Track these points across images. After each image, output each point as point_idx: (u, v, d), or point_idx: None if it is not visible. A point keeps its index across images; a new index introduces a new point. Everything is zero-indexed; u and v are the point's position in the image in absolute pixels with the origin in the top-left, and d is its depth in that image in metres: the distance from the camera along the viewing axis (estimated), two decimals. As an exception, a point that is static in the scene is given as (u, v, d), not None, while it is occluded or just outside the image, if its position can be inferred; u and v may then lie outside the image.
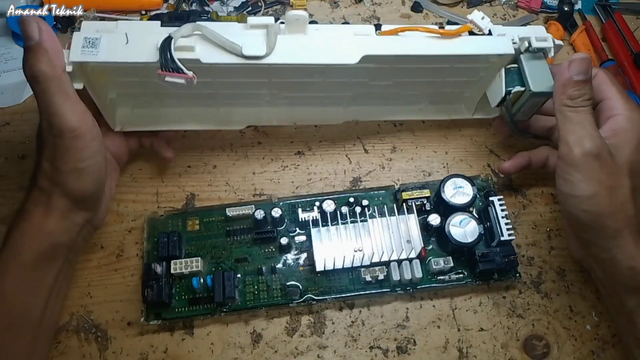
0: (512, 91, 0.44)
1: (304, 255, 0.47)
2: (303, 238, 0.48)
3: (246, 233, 0.47)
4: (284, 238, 0.46)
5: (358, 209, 0.47)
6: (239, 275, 0.46)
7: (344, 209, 0.47)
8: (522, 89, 0.44)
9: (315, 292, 0.46)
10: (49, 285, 0.41)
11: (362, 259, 0.45)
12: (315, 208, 0.47)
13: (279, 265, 0.47)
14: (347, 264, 0.45)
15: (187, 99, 0.48)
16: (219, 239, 0.47)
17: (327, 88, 0.48)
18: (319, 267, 0.45)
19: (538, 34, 0.44)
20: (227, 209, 0.47)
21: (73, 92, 0.37)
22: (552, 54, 0.44)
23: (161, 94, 0.46)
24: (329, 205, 0.46)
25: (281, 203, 0.49)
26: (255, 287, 0.46)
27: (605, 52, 0.60)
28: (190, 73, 0.38)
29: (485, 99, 0.49)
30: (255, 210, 0.46)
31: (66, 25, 0.58)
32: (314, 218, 0.47)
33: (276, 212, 0.46)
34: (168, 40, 0.38)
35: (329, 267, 0.45)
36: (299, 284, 0.46)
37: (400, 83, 0.49)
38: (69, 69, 0.37)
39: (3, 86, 0.55)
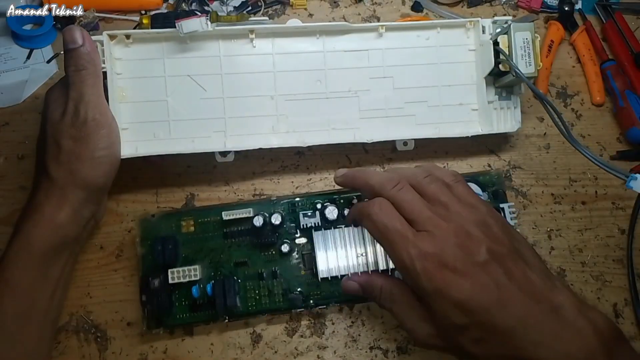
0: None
1: (306, 259, 0.46)
2: (304, 240, 0.46)
3: (244, 235, 0.46)
4: (285, 245, 0.45)
5: None
6: (239, 280, 0.45)
7: (347, 212, 0.46)
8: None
9: (318, 297, 0.45)
10: (55, 276, 0.42)
11: (367, 264, 0.43)
12: (317, 213, 0.46)
13: (280, 270, 0.45)
14: (351, 269, 0.43)
15: (196, 129, 0.48)
16: (217, 241, 0.46)
17: (334, 108, 0.49)
18: (323, 275, 0.44)
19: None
20: (223, 212, 0.45)
21: (102, 90, 0.43)
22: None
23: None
24: (331, 212, 0.45)
25: (281, 202, 0.47)
26: (257, 292, 0.45)
27: (605, 52, 0.60)
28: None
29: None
30: (254, 216, 0.45)
31: (66, 25, 0.58)
32: (316, 224, 0.45)
33: (276, 219, 0.45)
34: None
35: (333, 273, 0.44)
36: (301, 291, 0.45)
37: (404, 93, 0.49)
38: (103, 69, 0.43)
39: (2, 86, 0.54)
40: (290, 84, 0.48)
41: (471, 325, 0.31)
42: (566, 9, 0.60)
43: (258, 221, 0.44)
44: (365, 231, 0.44)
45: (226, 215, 0.44)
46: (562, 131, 0.44)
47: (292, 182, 0.52)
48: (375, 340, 0.46)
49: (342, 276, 0.43)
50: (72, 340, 0.45)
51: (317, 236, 0.44)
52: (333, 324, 0.47)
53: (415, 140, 0.51)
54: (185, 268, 0.43)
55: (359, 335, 0.46)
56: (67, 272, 0.44)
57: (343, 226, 0.45)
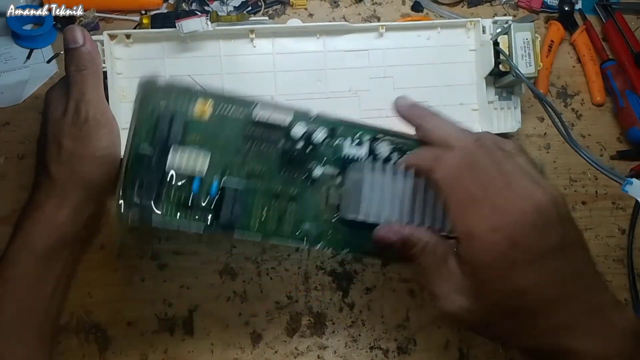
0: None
1: (331, 193, 0.36)
2: (337, 171, 0.36)
3: (272, 143, 0.35)
4: (319, 168, 0.36)
5: None
6: (248, 193, 0.35)
7: (394, 156, 0.36)
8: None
9: (332, 240, 0.37)
10: (56, 275, 0.42)
11: (411, 212, 0.34)
12: (365, 145, 0.36)
13: (299, 196, 0.36)
14: (390, 216, 0.34)
15: None
16: (233, 141, 0.35)
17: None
18: (362, 217, 0.34)
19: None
20: (254, 109, 0.35)
21: (103, 89, 0.43)
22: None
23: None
24: (383, 148, 0.36)
25: (321, 121, 0.36)
26: (265, 211, 0.36)
27: (605, 52, 0.60)
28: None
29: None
30: (294, 123, 0.35)
31: (66, 25, 0.58)
32: (361, 158, 0.36)
33: (320, 135, 0.36)
34: None
35: (374, 219, 0.34)
36: (314, 229, 0.36)
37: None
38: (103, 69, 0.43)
39: (3, 86, 0.54)
40: (290, 83, 0.48)
41: (520, 313, 0.30)
42: (566, 8, 0.60)
43: (299, 130, 0.35)
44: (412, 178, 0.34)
45: (257, 115, 0.35)
46: (562, 132, 0.44)
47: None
48: (375, 340, 0.46)
49: (372, 225, 0.34)
50: (72, 340, 0.45)
51: (355, 170, 0.35)
52: (333, 323, 0.47)
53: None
54: (192, 154, 0.34)
55: (359, 335, 0.46)
56: (68, 271, 0.44)
57: (390, 168, 0.35)
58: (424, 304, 0.48)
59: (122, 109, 0.46)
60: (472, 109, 0.51)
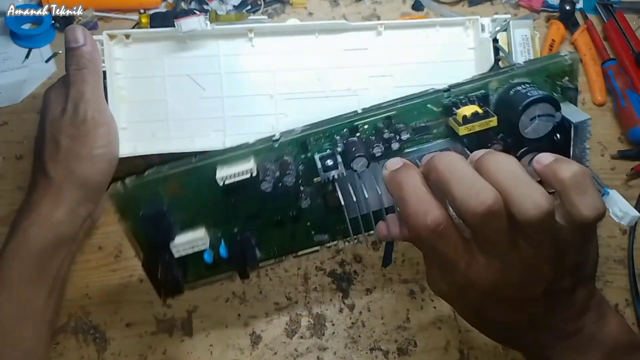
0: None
1: (328, 198, 0.36)
2: (322, 180, 0.35)
3: (250, 189, 0.35)
4: (305, 201, 0.36)
5: (396, 146, 0.35)
6: (255, 233, 0.37)
7: (377, 150, 0.34)
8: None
9: (345, 232, 0.37)
10: (52, 275, 0.42)
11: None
12: (338, 158, 0.34)
13: (300, 212, 0.37)
14: (388, 204, 0.34)
15: (195, 128, 0.47)
16: (216, 201, 0.36)
17: (334, 107, 0.48)
18: (351, 215, 0.35)
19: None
20: (217, 169, 0.34)
21: (102, 89, 0.43)
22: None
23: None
24: (358, 164, 0.34)
25: (288, 141, 0.35)
26: (277, 238, 0.37)
27: (606, 52, 0.59)
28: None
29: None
30: (261, 180, 0.34)
31: (65, 25, 0.58)
32: (340, 175, 0.34)
33: (289, 179, 0.34)
34: None
35: (364, 211, 0.35)
36: (326, 234, 0.37)
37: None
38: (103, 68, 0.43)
39: (1, 85, 0.54)
40: (289, 83, 0.48)
41: (498, 325, 0.31)
42: (567, 8, 0.60)
43: (267, 186, 0.34)
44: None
45: (222, 179, 0.34)
46: None
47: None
48: (375, 341, 0.46)
49: (374, 212, 0.35)
50: (70, 341, 0.45)
51: (342, 181, 0.35)
52: (333, 324, 0.46)
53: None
54: (189, 237, 0.35)
55: (359, 336, 0.46)
56: (64, 271, 0.44)
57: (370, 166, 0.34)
58: (424, 305, 0.47)
59: (121, 109, 0.46)
60: (473, 109, 0.51)
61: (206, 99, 0.47)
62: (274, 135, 0.35)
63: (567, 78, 0.36)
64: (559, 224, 0.26)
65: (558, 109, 0.33)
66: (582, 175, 0.26)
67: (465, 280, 0.28)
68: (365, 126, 0.36)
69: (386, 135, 0.35)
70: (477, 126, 0.32)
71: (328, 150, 0.35)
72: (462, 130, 0.33)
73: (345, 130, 0.35)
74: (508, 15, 0.49)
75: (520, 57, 0.46)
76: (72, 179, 0.41)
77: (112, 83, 0.44)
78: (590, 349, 0.30)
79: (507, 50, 0.46)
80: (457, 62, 0.51)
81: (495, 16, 0.49)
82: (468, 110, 0.33)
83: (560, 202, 0.27)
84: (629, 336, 0.32)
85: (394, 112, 0.35)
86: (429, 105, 0.35)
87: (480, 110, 0.33)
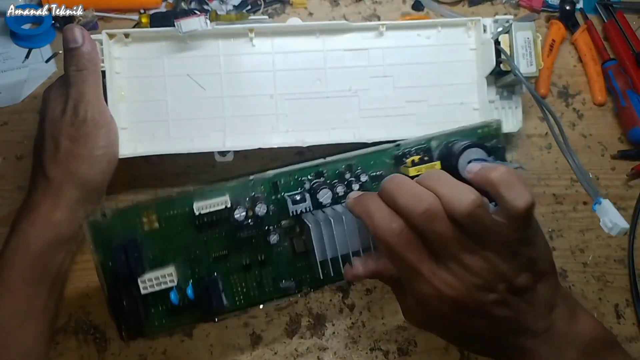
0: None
1: (295, 243, 0.40)
2: (292, 223, 0.39)
3: (223, 226, 0.38)
4: (274, 236, 0.38)
5: (356, 187, 0.39)
6: (222, 275, 0.39)
7: (340, 190, 0.38)
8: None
9: (312, 280, 0.40)
10: (52, 275, 0.42)
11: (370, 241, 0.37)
12: (306, 195, 0.38)
13: (267, 257, 0.39)
14: (354, 248, 0.37)
15: (195, 128, 0.47)
16: (189, 236, 0.38)
17: (334, 108, 0.48)
18: (320, 257, 0.37)
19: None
20: (194, 203, 0.37)
21: (102, 89, 0.43)
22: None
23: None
24: (324, 196, 0.38)
25: (261, 181, 0.39)
26: (244, 284, 0.39)
27: (607, 52, 0.59)
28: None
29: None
30: (233, 208, 0.37)
31: (65, 25, 0.58)
32: (308, 209, 0.38)
33: (261, 209, 0.38)
34: None
35: (331, 255, 0.37)
36: (292, 281, 0.40)
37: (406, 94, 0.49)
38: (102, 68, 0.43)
39: (1, 85, 0.54)
40: (290, 83, 0.48)
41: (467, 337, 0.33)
42: (567, 8, 0.60)
43: (239, 214, 0.37)
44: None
45: (198, 209, 0.37)
46: (554, 132, 0.42)
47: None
48: (375, 341, 0.46)
49: (342, 256, 0.37)
50: (70, 341, 0.45)
51: (309, 219, 0.38)
52: (333, 325, 0.46)
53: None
54: (158, 273, 0.36)
55: (360, 336, 0.46)
56: (64, 271, 0.44)
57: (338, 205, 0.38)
58: (424, 305, 0.47)
59: (120, 109, 0.46)
60: (473, 108, 0.51)
61: (206, 99, 0.47)
62: (249, 177, 0.39)
63: (494, 140, 0.42)
64: (499, 221, 0.29)
65: (490, 154, 0.38)
66: (507, 173, 0.30)
67: (434, 291, 0.30)
68: (329, 172, 0.40)
69: (347, 177, 0.40)
70: (424, 168, 0.38)
71: (298, 189, 0.39)
72: (412, 171, 0.38)
73: (311, 174, 0.39)
74: (510, 17, 0.49)
75: (522, 60, 0.46)
76: (72, 179, 0.41)
77: (112, 82, 0.44)
78: (565, 346, 0.31)
79: (508, 52, 0.46)
80: (458, 62, 0.51)
81: (497, 17, 0.49)
82: (416, 157, 0.40)
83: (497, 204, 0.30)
84: (603, 333, 0.33)
85: (354, 160, 0.40)
86: (382, 158, 0.40)
87: (426, 157, 0.39)
